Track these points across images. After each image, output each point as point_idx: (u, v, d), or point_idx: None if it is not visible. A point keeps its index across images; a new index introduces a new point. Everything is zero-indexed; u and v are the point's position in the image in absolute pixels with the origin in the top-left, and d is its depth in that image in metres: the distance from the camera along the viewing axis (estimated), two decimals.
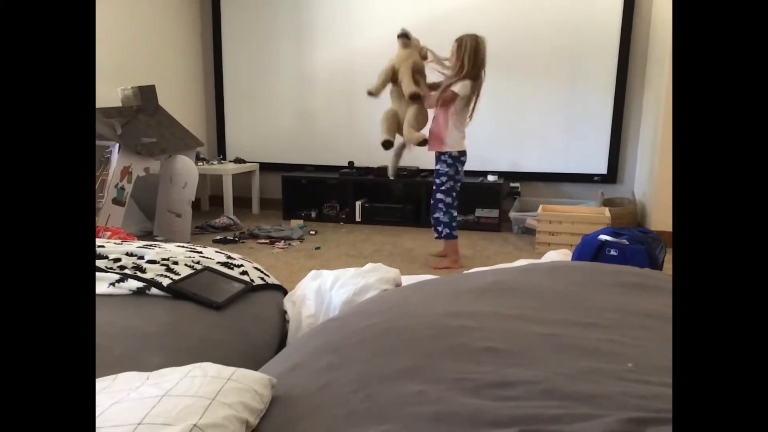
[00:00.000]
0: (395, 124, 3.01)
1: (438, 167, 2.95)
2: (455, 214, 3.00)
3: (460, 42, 2.79)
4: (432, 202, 3.01)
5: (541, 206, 3.54)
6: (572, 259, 1.96)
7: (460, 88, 2.78)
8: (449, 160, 2.90)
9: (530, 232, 3.67)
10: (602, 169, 4.08)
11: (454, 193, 2.95)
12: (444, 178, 2.93)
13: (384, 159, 4.28)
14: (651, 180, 3.61)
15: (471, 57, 2.76)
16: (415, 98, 2.83)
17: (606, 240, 2.07)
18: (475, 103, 2.89)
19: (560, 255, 1.89)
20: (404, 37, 2.90)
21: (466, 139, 2.94)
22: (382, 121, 3.03)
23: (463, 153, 2.93)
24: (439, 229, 2.98)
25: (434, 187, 2.99)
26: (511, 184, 4.19)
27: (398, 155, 3.14)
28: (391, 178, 3.30)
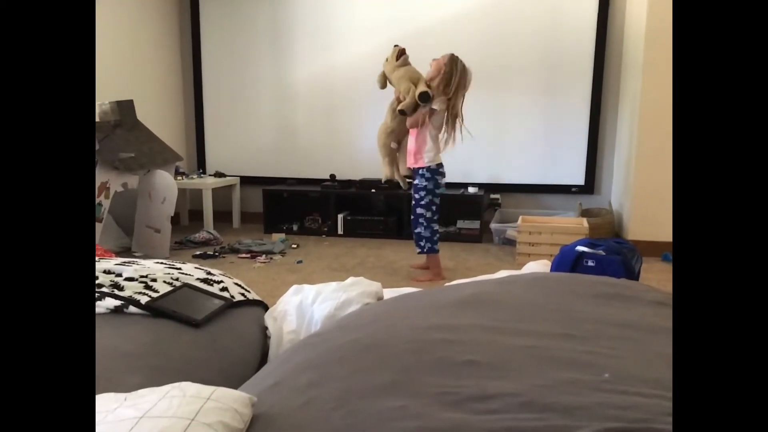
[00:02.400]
0: (393, 151, 3.09)
1: (416, 182, 2.97)
2: (436, 227, 3.02)
3: (455, 61, 2.84)
4: (412, 216, 3.03)
5: (521, 217, 3.58)
6: (551, 270, 1.99)
7: (438, 104, 2.83)
8: (427, 174, 2.93)
9: (511, 242, 3.71)
10: (580, 180, 4.16)
11: (433, 207, 2.98)
12: (423, 193, 2.95)
13: (367, 173, 4.30)
14: (627, 190, 3.69)
15: (458, 80, 2.83)
16: (425, 100, 2.82)
17: (583, 251, 2.11)
18: (454, 126, 2.93)
19: (540, 266, 1.92)
20: (404, 54, 2.96)
21: (441, 153, 2.98)
22: (380, 145, 3.10)
23: (440, 165, 2.96)
24: (422, 243, 3.00)
25: (413, 202, 3.01)
26: (492, 196, 4.24)
27: (392, 162, 3.16)
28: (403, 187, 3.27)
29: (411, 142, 2.97)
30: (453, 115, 2.90)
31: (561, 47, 4.04)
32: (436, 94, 2.84)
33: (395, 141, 3.08)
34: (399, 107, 2.88)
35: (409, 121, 2.91)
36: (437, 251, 3.03)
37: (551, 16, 4.01)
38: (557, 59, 4.06)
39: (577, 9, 3.98)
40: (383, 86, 3.07)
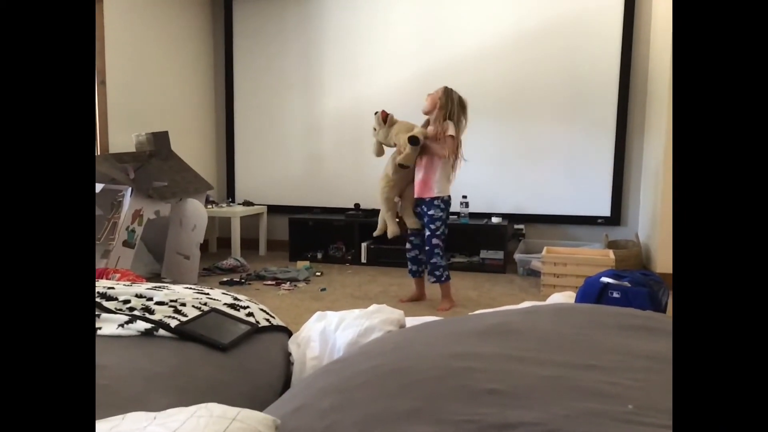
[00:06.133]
0: (396, 205, 3.11)
1: (432, 212, 2.97)
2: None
3: (449, 93, 2.91)
4: (428, 247, 3.02)
5: (545, 248, 3.55)
6: (575, 302, 1.96)
7: (452, 131, 2.88)
8: (442, 205, 2.97)
9: (535, 273, 3.67)
10: (606, 211, 4.11)
11: (443, 237, 3.01)
12: (439, 223, 2.97)
13: None
14: (654, 222, 3.63)
15: (456, 109, 2.90)
16: (415, 143, 2.86)
17: (608, 282, 2.08)
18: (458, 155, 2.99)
19: (564, 297, 1.90)
20: (388, 115, 3.06)
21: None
22: (383, 200, 3.10)
23: (449, 197, 3.01)
24: (438, 273, 3.00)
25: (428, 233, 3.00)
26: (516, 226, 4.21)
27: (395, 216, 3.16)
28: (390, 236, 3.20)
29: (425, 173, 2.96)
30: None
31: (586, 79, 4.07)
32: (437, 125, 2.88)
33: (398, 195, 3.09)
34: (398, 160, 2.91)
35: (442, 150, 2.90)
36: (450, 278, 3.06)
37: (576, 48, 4.06)
38: (582, 91, 4.08)
39: (601, 40, 4.01)
40: (379, 154, 3.12)
